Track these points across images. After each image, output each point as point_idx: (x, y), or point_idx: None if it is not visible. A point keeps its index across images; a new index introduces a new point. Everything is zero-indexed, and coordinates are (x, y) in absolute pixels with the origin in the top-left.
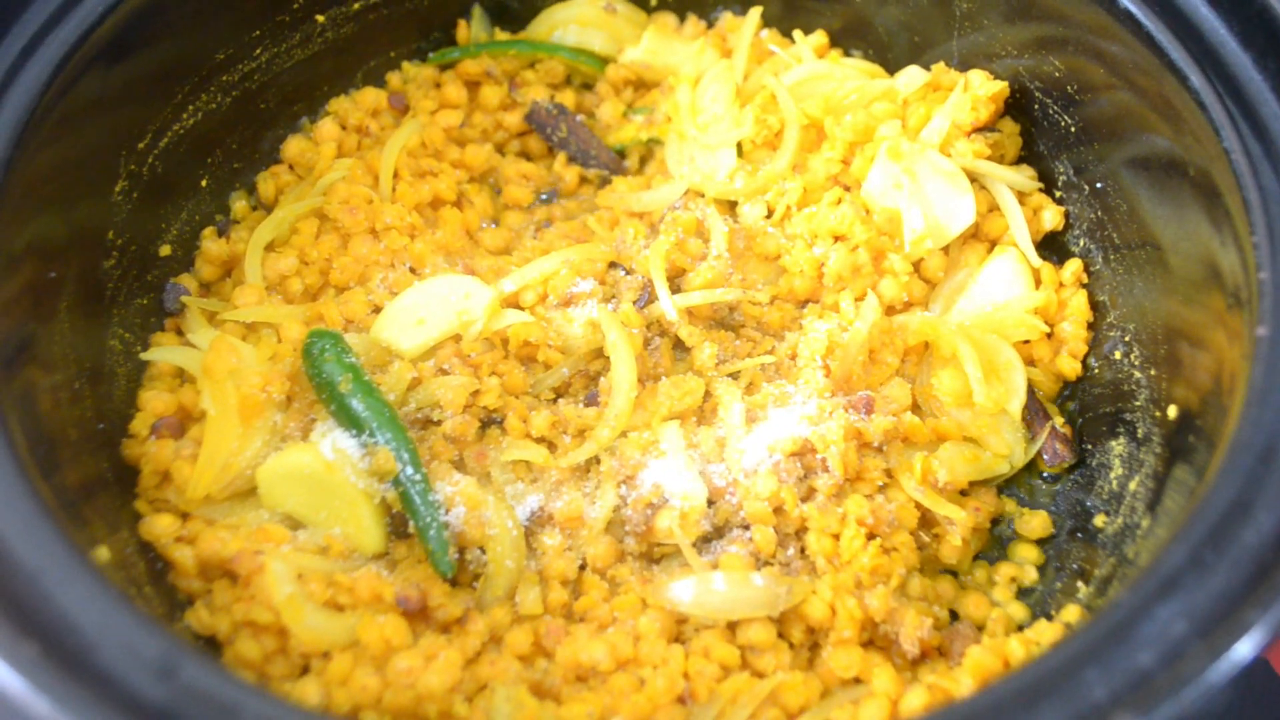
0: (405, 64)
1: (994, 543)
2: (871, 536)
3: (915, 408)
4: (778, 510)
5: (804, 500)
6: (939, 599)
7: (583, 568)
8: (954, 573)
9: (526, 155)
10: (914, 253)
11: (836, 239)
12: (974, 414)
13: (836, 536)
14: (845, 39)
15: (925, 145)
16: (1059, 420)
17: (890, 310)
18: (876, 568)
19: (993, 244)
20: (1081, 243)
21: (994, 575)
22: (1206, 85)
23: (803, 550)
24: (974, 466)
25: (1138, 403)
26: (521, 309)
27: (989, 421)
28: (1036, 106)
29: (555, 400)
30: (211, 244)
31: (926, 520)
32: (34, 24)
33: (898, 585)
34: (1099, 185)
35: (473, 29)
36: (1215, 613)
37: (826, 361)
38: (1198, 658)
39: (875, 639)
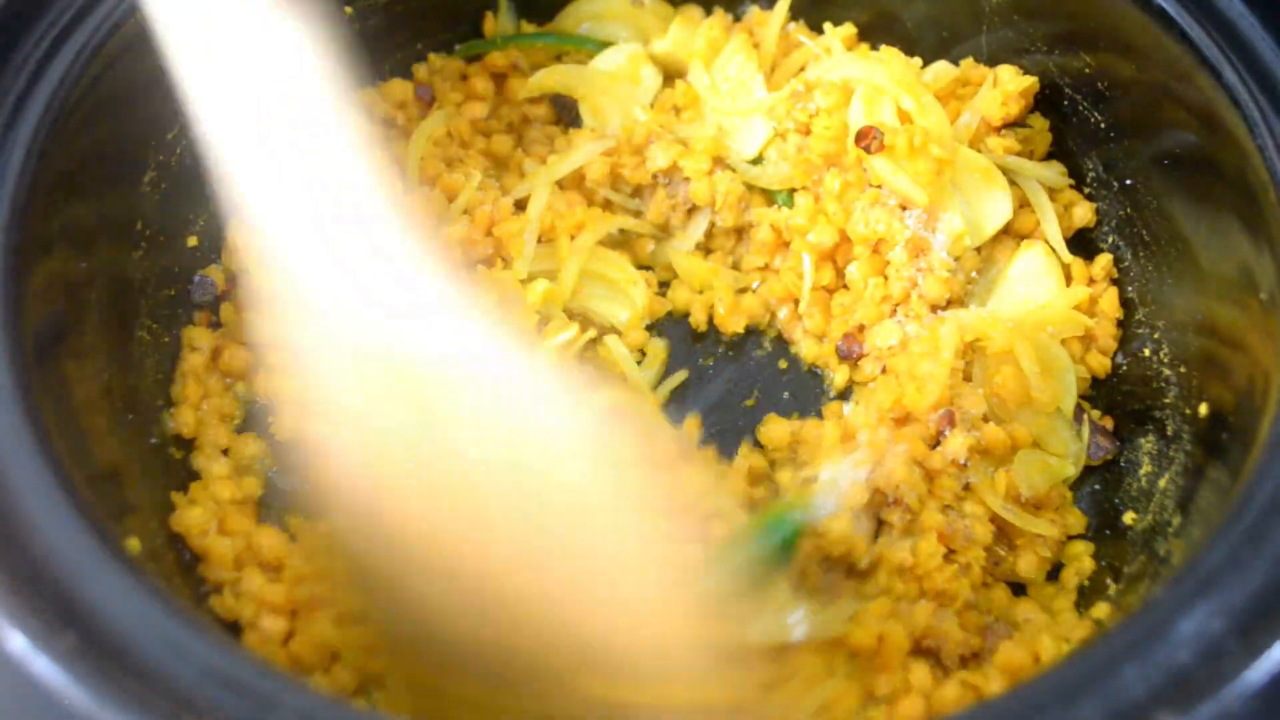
0: (432, 56)
1: None
2: (948, 552)
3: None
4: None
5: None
6: (992, 607)
7: None
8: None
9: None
10: (953, 250)
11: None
12: (1031, 414)
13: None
14: (873, 33)
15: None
16: (1095, 414)
17: (932, 309)
18: (944, 590)
19: (1021, 240)
20: (1110, 239)
21: (1060, 585)
22: (1239, 82)
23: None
24: (1047, 475)
25: (1167, 400)
26: None
27: (1046, 421)
28: (1066, 102)
29: None
30: (238, 235)
31: (1002, 533)
32: (65, 15)
33: (959, 607)
34: (1128, 182)
35: (499, 21)
36: (1254, 612)
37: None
38: (1237, 657)
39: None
